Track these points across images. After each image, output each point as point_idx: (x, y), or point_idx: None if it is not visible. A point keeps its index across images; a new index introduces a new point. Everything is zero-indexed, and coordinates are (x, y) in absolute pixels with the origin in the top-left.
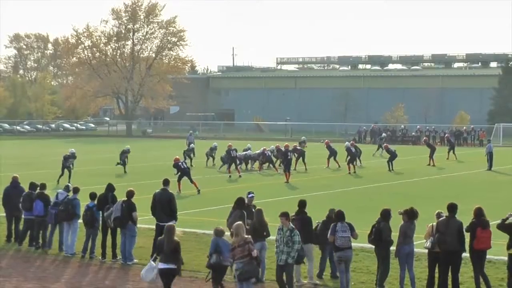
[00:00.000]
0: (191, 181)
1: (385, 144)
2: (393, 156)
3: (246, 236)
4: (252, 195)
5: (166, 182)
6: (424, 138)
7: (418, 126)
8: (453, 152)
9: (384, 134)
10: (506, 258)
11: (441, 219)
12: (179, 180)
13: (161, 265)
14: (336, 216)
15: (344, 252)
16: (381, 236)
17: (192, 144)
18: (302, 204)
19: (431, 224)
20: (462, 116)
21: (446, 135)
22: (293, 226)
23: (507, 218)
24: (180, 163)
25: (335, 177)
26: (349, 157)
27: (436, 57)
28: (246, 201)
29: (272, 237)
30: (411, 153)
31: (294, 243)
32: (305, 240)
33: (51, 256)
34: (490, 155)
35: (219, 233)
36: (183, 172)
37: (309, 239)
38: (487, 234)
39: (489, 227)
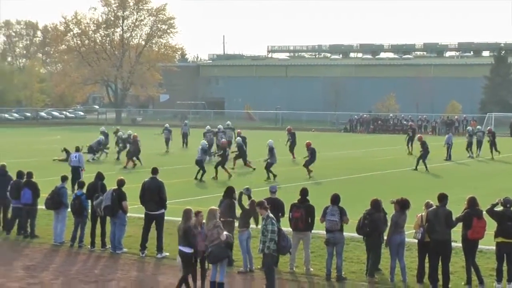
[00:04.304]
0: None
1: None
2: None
3: (215, 220)
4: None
5: (155, 171)
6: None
7: (410, 116)
8: (495, 149)
9: (479, 127)
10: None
11: (430, 208)
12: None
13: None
14: (330, 199)
15: (333, 234)
16: (377, 227)
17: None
18: (304, 192)
19: (420, 214)
20: (453, 105)
21: (489, 127)
22: (269, 215)
23: (497, 204)
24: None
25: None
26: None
27: (428, 46)
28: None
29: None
30: (399, 142)
31: (268, 231)
32: (309, 228)
33: (40, 245)
34: (449, 146)
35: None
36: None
37: (312, 227)
38: (483, 224)
39: (483, 217)
